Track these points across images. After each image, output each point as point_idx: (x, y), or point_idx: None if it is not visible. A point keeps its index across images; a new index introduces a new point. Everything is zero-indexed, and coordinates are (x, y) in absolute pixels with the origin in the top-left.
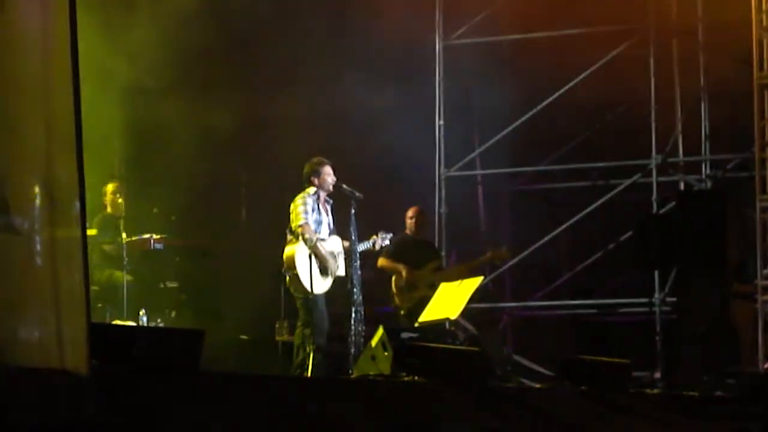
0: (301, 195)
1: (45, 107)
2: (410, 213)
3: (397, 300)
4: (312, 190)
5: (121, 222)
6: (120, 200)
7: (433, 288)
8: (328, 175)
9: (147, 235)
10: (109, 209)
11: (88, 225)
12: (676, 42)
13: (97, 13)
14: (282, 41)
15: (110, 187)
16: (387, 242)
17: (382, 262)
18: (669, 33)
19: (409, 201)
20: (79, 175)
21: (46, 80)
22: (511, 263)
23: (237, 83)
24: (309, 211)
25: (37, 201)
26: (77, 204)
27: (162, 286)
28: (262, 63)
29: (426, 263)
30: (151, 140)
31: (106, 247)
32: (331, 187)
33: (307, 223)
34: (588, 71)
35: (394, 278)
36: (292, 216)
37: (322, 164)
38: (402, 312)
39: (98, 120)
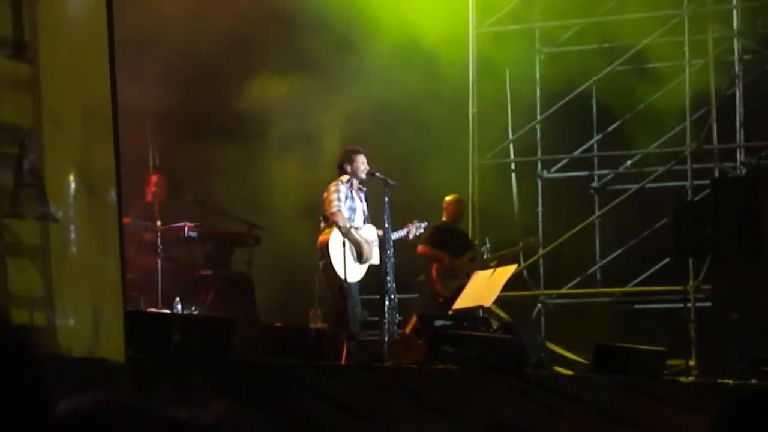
0: (334, 183)
1: (81, 96)
2: (449, 201)
3: (437, 287)
4: (345, 177)
5: (157, 210)
6: (160, 190)
7: (470, 278)
8: (362, 163)
9: (182, 223)
10: (149, 198)
11: (125, 213)
12: (711, 29)
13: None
14: (312, 28)
15: (154, 179)
16: (422, 231)
17: (422, 249)
18: (704, 19)
19: (442, 189)
20: (116, 163)
21: (82, 69)
22: (545, 251)
23: (265, 70)
24: (342, 198)
25: (73, 189)
26: (113, 192)
27: (196, 273)
28: (277, 51)
29: (463, 252)
30: (186, 128)
31: (144, 235)
32: (364, 175)
33: (339, 211)
34: (622, 58)
35: (435, 265)
36: (325, 204)
37: (355, 152)
38: (440, 300)
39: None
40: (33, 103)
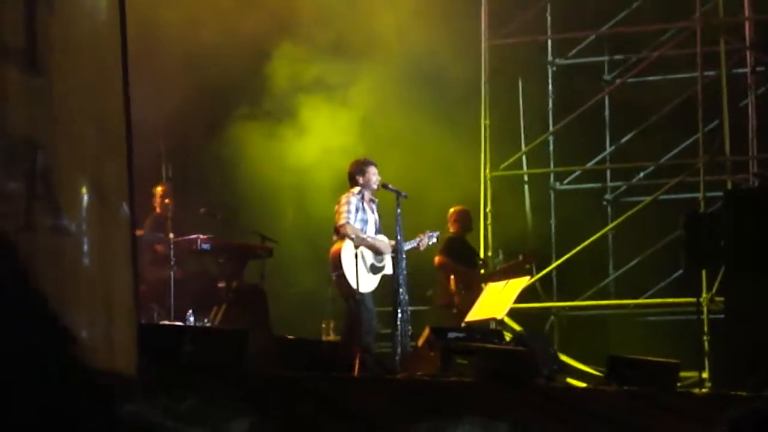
0: (345, 195)
1: (95, 108)
2: (456, 211)
3: (456, 299)
4: (357, 189)
5: (169, 222)
6: (167, 201)
7: (483, 290)
8: (373, 174)
9: (194, 236)
10: (158, 210)
11: (138, 226)
12: (723, 39)
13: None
14: (327, 46)
15: (159, 190)
16: (434, 240)
17: (441, 260)
18: (716, 30)
19: (455, 201)
20: (129, 175)
21: (95, 81)
22: (558, 263)
23: (277, 90)
24: (353, 210)
25: (86, 202)
26: (126, 205)
27: (209, 286)
28: (290, 70)
29: (474, 264)
30: (199, 141)
31: (157, 248)
32: (375, 187)
33: (349, 222)
34: (635, 70)
35: (452, 277)
36: (335, 215)
37: (367, 164)
38: (455, 311)
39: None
40: (46, 116)
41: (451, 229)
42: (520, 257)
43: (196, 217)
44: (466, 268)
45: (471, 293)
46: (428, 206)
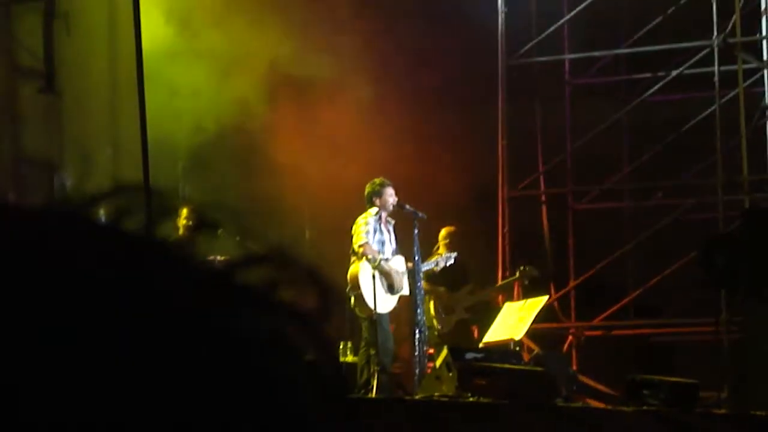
0: (363, 215)
1: (111, 131)
2: (446, 233)
3: (435, 322)
4: (374, 210)
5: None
6: (187, 223)
7: (470, 311)
8: (390, 196)
9: (211, 257)
10: (180, 232)
11: None
12: (741, 58)
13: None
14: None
15: (184, 212)
16: (451, 261)
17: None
18: (734, 49)
19: (471, 221)
20: (147, 197)
21: (112, 104)
22: (576, 283)
23: (304, 103)
24: (371, 231)
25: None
26: None
27: None
28: (329, 84)
29: (462, 285)
30: (214, 162)
31: None
32: (392, 208)
33: (367, 243)
34: (652, 89)
35: (432, 301)
36: (353, 236)
37: (383, 185)
38: (436, 333)
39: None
40: (63, 136)
41: (440, 251)
42: (517, 273)
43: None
44: (448, 291)
45: (453, 316)
46: (445, 227)
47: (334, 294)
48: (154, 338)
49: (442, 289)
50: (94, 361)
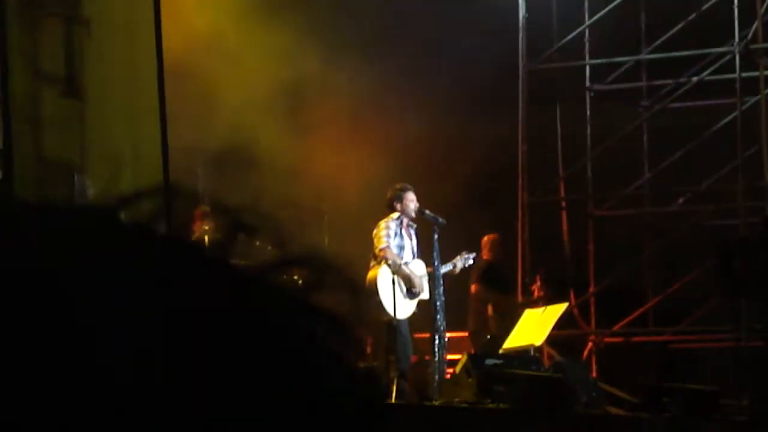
0: (384, 220)
1: (131, 134)
2: (490, 240)
3: (491, 324)
4: (395, 215)
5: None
6: (206, 227)
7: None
8: (411, 201)
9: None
10: (197, 234)
11: None
12: (762, 66)
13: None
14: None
15: (198, 212)
16: (470, 262)
17: (477, 288)
18: (756, 55)
19: (492, 227)
20: (165, 201)
21: (132, 108)
22: (596, 289)
23: (321, 108)
24: (391, 235)
25: None
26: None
27: None
28: (347, 89)
29: (510, 291)
30: (234, 165)
31: None
32: (413, 213)
33: (388, 247)
34: (673, 95)
35: (490, 305)
36: (374, 241)
37: (405, 190)
38: (488, 337)
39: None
40: (84, 140)
41: (485, 257)
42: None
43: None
44: (502, 295)
45: (506, 320)
46: (464, 232)
47: (366, 298)
48: (193, 339)
49: (498, 293)
50: (130, 361)
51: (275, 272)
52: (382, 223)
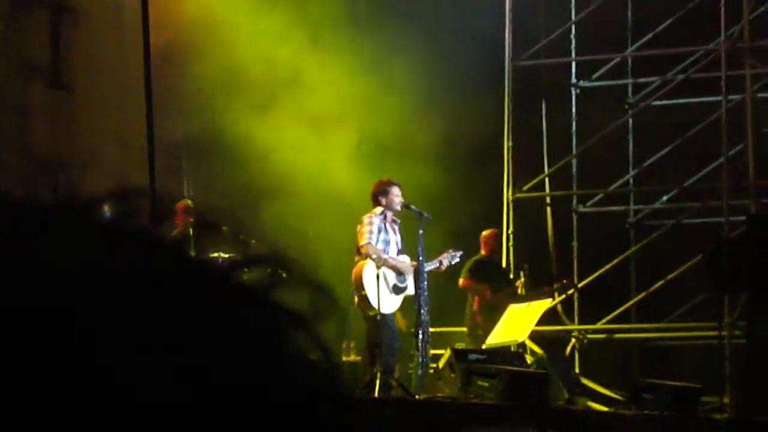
0: (367, 215)
1: (118, 127)
2: (488, 235)
3: (478, 319)
4: (379, 209)
5: (191, 240)
6: (190, 219)
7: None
8: (396, 196)
9: (215, 254)
10: (180, 228)
11: None
12: (748, 64)
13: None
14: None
15: (180, 206)
16: (456, 260)
17: (464, 282)
18: (741, 54)
19: (478, 222)
20: (152, 193)
21: (119, 100)
22: (580, 285)
23: (301, 99)
24: (374, 230)
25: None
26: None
27: None
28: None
29: (503, 287)
30: (218, 157)
31: None
32: (398, 208)
33: (370, 243)
34: (659, 93)
35: (476, 299)
36: (357, 236)
37: (390, 184)
38: (479, 332)
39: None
40: (69, 132)
41: (482, 252)
42: (556, 285)
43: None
44: (491, 290)
45: (496, 315)
46: (450, 227)
47: (330, 296)
48: (153, 336)
49: (484, 286)
50: (94, 358)
51: (237, 269)
52: (365, 219)
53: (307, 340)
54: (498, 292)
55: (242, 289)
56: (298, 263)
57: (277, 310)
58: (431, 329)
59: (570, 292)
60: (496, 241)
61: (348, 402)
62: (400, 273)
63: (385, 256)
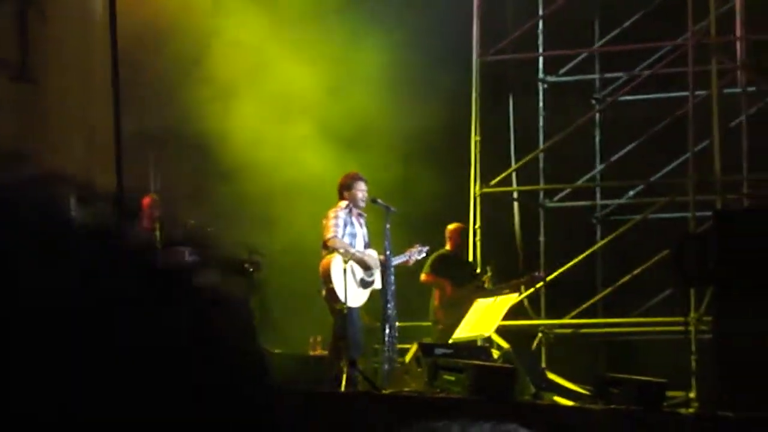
0: (333, 209)
1: (85, 121)
2: (453, 229)
3: (439, 315)
4: (344, 203)
5: (157, 234)
6: (157, 214)
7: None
8: (360, 191)
9: (182, 248)
10: (146, 222)
11: None
12: (715, 60)
13: None
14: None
15: (147, 201)
16: (423, 255)
17: (425, 277)
18: (708, 50)
19: (444, 217)
20: (119, 188)
21: (87, 95)
22: (546, 280)
23: (274, 93)
24: (340, 224)
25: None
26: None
27: None
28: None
29: (467, 282)
30: (190, 151)
31: None
32: (361, 203)
33: (335, 236)
34: (626, 88)
35: (437, 293)
36: (323, 230)
37: (355, 179)
38: (440, 327)
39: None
40: (35, 126)
41: (448, 246)
42: (525, 278)
43: (185, 230)
44: (453, 285)
45: (459, 310)
46: (417, 221)
47: (253, 280)
48: (81, 325)
49: (445, 281)
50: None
51: (162, 255)
52: (331, 213)
53: (231, 324)
54: (460, 287)
55: (166, 274)
56: (219, 245)
57: (200, 294)
58: (398, 323)
59: (539, 285)
60: (461, 235)
61: (272, 387)
62: (367, 267)
63: (353, 250)
